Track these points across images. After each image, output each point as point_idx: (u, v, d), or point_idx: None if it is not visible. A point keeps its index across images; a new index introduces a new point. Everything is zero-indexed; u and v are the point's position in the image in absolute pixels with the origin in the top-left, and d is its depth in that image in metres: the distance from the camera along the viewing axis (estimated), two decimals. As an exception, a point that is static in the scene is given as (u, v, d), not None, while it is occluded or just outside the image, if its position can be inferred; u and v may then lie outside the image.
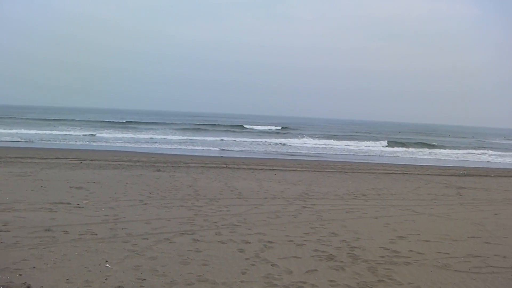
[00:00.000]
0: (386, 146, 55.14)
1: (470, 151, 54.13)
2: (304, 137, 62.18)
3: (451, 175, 25.26)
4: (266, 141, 51.66)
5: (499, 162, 43.25)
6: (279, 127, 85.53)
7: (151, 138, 48.96)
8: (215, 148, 40.42)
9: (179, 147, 39.89)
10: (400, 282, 6.75)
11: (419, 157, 44.12)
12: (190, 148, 39.78)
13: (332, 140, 58.00)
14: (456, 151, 53.53)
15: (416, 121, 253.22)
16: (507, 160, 47.20)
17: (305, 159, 34.06)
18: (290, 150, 43.30)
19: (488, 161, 43.31)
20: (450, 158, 44.57)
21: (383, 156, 42.78)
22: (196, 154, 33.80)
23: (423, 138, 78.62)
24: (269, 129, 78.99)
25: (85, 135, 48.23)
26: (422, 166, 31.75)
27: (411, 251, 8.47)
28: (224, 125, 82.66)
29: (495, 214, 12.94)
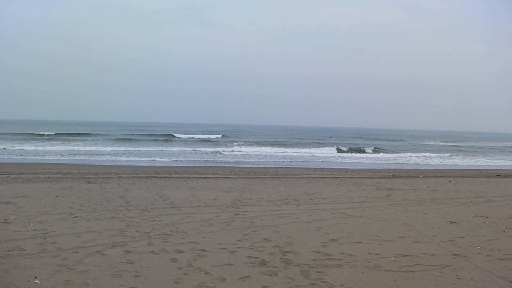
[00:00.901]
0: (336, 152, 57.01)
1: (400, 155, 56.46)
2: (238, 144, 62.81)
3: (381, 177, 26.16)
4: (199, 150, 51.62)
5: (427, 164, 45.36)
6: (219, 135, 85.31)
7: (81, 149, 47.90)
8: (147, 158, 40.06)
9: (110, 158, 39.39)
10: (332, 285, 6.92)
11: (350, 161, 45.43)
12: (121, 158, 39.34)
13: (268, 147, 59.01)
14: (388, 155, 55.72)
15: (348, 125, 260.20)
16: (436, 161, 49.60)
17: (238, 166, 34.31)
18: (223, 158, 43.57)
19: (416, 163, 45.28)
20: (379, 161, 46.24)
21: (312, 161, 43.76)
22: (128, 164, 33.38)
23: (358, 142, 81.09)
24: (205, 138, 78.29)
25: (13, 147, 46.57)
26: (353, 170, 32.69)
27: (342, 253, 8.70)
28: (156, 135, 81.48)
29: (424, 213, 13.51)
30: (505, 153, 71.46)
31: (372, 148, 64.11)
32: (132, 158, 39.75)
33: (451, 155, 60.46)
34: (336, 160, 45.46)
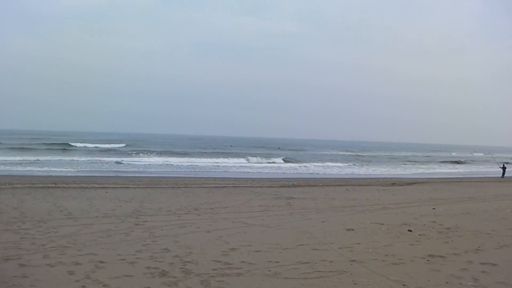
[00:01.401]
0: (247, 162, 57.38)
1: (307, 164, 58.08)
2: (140, 154, 61.66)
3: (281, 186, 26.70)
4: (99, 159, 50.26)
5: (325, 173, 46.93)
6: (122, 145, 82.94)
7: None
8: (44, 168, 38.56)
9: (4, 168, 37.37)
10: (232, 294, 6.92)
11: (251, 170, 45.99)
12: (17, 168, 37.62)
13: (170, 157, 58.59)
14: (295, 164, 57.15)
15: (251, 135, 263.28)
16: (334, 170, 51.41)
17: (139, 176, 33.76)
18: (124, 168, 42.74)
19: (317, 173, 46.69)
20: (281, 171, 47.23)
21: (213, 171, 43.89)
22: (23, 174, 31.95)
23: (261, 152, 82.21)
24: (106, 147, 75.59)
25: None
26: (253, 179, 33.09)
27: (243, 262, 8.73)
28: (51, 143, 77.78)
29: (323, 221, 13.91)
30: (401, 162, 75.77)
31: (283, 157, 65.58)
32: (28, 168, 38.08)
33: (353, 164, 63.23)
34: (238, 170, 45.90)
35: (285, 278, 7.74)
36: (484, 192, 26.42)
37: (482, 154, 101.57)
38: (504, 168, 50.62)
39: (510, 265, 8.49)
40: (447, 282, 7.46)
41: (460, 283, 7.40)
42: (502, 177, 47.87)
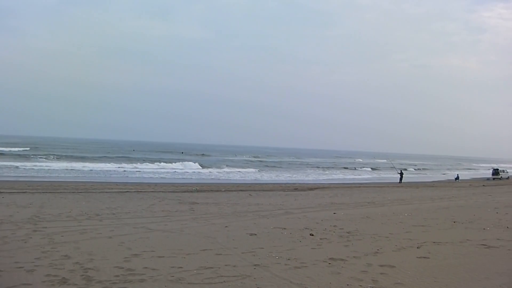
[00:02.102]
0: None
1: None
2: (43, 158, 59.07)
3: (184, 192, 26.57)
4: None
5: (229, 178, 47.27)
6: (27, 148, 78.64)
7: None
8: None
9: None
10: (133, 301, 6.80)
11: (153, 176, 45.41)
12: None
13: (73, 162, 56.35)
14: (194, 169, 56.94)
15: (149, 139, 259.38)
16: (238, 176, 51.84)
17: (38, 180, 32.40)
18: (24, 172, 40.71)
19: (219, 178, 46.92)
20: (182, 176, 47.01)
21: (114, 176, 42.93)
22: None
23: (164, 156, 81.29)
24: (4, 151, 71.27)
25: None
26: (156, 184, 32.71)
27: (145, 268, 8.60)
28: None
29: (226, 226, 13.99)
30: (305, 168, 77.87)
31: (197, 162, 65.41)
32: None
33: (259, 170, 64.18)
34: (141, 175, 45.21)
35: (189, 283, 7.70)
36: (383, 197, 27.74)
37: (384, 160, 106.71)
38: (401, 174, 53.54)
39: (406, 266, 8.92)
40: (348, 285, 7.74)
41: (360, 285, 7.70)
42: (399, 182, 50.60)
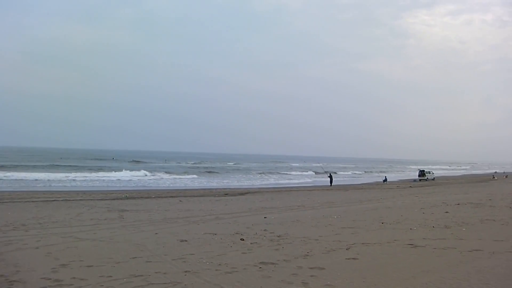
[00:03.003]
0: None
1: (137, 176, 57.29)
2: None
3: (114, 199, 26.10)
4: None
5: (159, 185, 46.79)
6: None
7: None
8: None
9: None
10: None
11: (81, 184, 44.32)
12: None
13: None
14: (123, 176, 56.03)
15: (81, 146, 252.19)
16: (168, 182, 51.39)
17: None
18: None
19: (150, 185, 46.34)
20: (112, 184, 46.14)
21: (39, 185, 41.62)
22: None
23: (91, 164, 79.39)
24: None
25: None
26: (85, 192, 31.93)
27: (74, 278, 8.40)
28: None
29: (156, 233, 13.87)
30: (237, 173, 78.08)
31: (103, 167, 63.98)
32: None
33: (197, 176, 63.96)
34: (69, 184, 44.04)
35: (118, 292, 7.60)
36: (312, 200, 28.27)
37: (317, 164, 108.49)
38: (331, 177, 54.68)
39: (336, 268, 9.16)
40: (278, 288, 7.87)
41: (290, 288, 7.84)
42: (330, 185, 51.63)
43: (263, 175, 77.27)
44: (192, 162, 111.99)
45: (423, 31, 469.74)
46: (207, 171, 77.56)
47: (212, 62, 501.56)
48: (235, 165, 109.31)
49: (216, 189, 41.85)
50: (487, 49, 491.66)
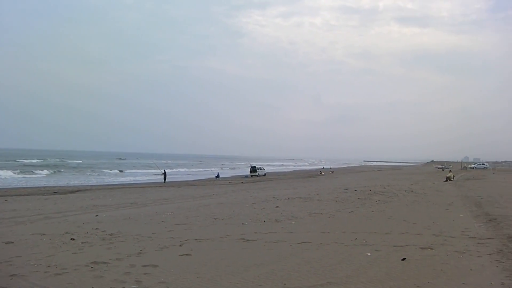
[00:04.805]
0: None
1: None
2: None
3: None
4: None
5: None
6: None
7: None
8: None
9: None
10: None
11: None
12: None
13: None
14: None
15: None
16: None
17: None
18: None
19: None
20: None
21: None
22: None
23: None
24: None
25: None
26: None
27: None
28: None
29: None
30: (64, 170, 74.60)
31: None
32: None
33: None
34: None
35: None
36: (145, 197, 28.07)
37: (151, 160, 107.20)
38: (165, 174, 54.62)
39: (169, 265, 9.23)
40: (111, 287, 7.78)
41: (124, 287, 7.79)
42: (164, 182, 51.56)
43: (93, 172, 74.76)
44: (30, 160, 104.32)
45: (256, 31, 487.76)
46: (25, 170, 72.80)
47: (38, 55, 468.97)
48: (69, 163, 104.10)
49: (45, 187, 39.67)
50: (315, 50, 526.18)
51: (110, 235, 12.92)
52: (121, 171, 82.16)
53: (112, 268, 9.04)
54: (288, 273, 8.51)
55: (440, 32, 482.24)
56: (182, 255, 10.22)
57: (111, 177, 67.00)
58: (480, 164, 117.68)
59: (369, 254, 10.09)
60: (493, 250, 10.35)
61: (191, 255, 10.22)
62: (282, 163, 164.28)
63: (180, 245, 11.30)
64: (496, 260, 9.32)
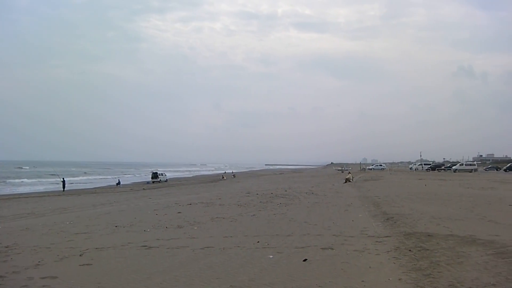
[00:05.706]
0: None
1: None
2: None
3: None
4: None
5: None
6: None
7: None
8: None
9: None
10: None
11: None
12: None
13: None
14: None
15: None
16: None
17: None
18: None
19: None
20: None
21: None
22: None
23: None
24: None
25: None
26: None
27: None
28: None
29: None
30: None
31: None
32: None
33: None
34: None
35: None
36: (43, 207, 27.05)
37: (49, 168, 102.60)
38: (63, 182, 52.75)
39: (69, 275, 8.98)
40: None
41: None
42: (63, 190, 49.75)
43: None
44: None
45: (155, 35, 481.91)
46: None
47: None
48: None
49: None
50: (215, 55, 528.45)
51: (6, 247, 12.32)
52: (20, 180, 78.09)
53: (8, 282, 8.69)
54: (191, 279, 8.58)
55: (337, 38, 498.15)
56: (82, 265, 9.96)
57: (9, 186, 63.55)
58: (377, 165, 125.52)
59: (271, 256, 10.36)
60: (390, 247, 11.00)
61: (92, 264, 10.00)
62: (187, 169, 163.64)
63: (80, 255, 11.00)
64: (394, 257, 9.90)
